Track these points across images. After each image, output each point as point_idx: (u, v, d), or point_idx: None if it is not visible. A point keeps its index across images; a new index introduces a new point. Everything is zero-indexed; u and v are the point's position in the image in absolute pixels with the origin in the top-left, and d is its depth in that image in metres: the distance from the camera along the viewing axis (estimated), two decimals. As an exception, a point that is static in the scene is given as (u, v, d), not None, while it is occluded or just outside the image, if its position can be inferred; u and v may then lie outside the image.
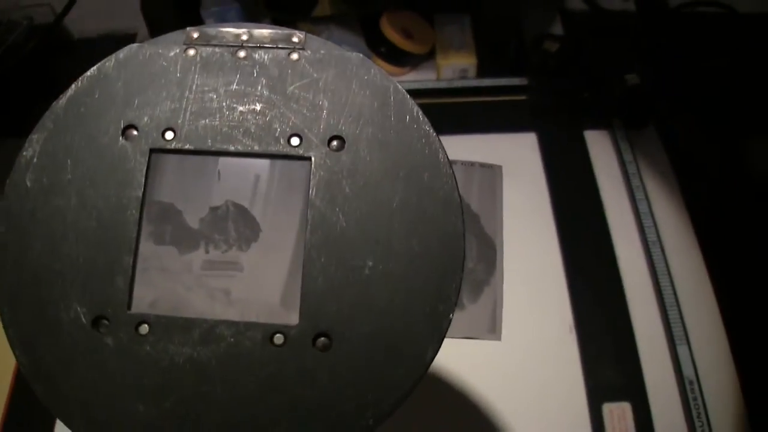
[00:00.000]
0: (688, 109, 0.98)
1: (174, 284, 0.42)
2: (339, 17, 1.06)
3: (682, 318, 0.78)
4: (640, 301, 0.81)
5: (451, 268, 0.41)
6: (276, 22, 1.07)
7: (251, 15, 1.07)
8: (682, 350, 0.75)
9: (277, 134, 0.43)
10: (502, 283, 0.52)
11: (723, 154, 0.95)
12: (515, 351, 0.76)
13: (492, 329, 0.59)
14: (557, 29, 1.12)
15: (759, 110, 0.99)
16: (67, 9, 1.03)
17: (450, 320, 0.40)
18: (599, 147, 0.96)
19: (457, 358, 0.73)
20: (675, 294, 0.80)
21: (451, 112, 1.02)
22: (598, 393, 0.74)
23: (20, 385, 0.77)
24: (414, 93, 1.02)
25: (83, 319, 0.41)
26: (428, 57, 1.10)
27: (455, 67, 1.05)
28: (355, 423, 0.40)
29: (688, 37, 1.06)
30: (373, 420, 0.40)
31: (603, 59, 1.00)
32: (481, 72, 1.06)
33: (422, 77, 1.09)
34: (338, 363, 0.40)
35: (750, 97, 1.00)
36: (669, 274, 0.82)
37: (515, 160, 0.94)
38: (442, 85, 1.06)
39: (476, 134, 0.97)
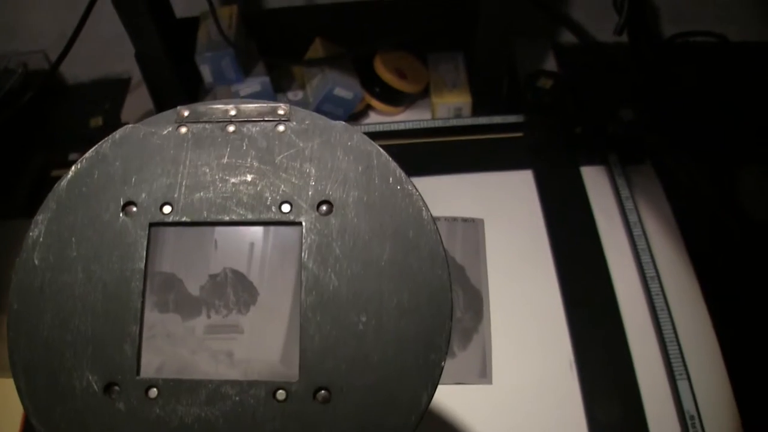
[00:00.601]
0: (684, 142, 0.98)
1: (179, 349, 0.44)
2: (332, 59, 1.08)
3: (681, 353, 0.78)
4: (640, 336, 0.81)
5: (440, 319, 0.43)
6: (270, 66, 1.10)
7: (245, 60, 1.09)
8: (682, 385, 0.75)
9: (268, 202, 0.45)
10: (490, 329, 0.54)
11: (719, 187, 0.95)
12: (509, 393, 0.76)
13: (483, 374, 0.61)
14: (551, 64, 1.13)
15: (752, 139, 1.00)
16: (61, 58, 1.05)
17: (442, 368, 0.43)
18: (596, 183, 0.96)
19: (452, 404, 0.73)
20: (674, 329, 0.80)
21: (447, 151, 1.03)
22: (599, 429, 0.74)
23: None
24: (410, 133, 1.06)
25: (95, 387, 0.43)
26: (423, 96, 1.12)
27: (450, 106, 1.07)
28: None
29: (682, 68, 1.07)
30: None
31: (597, 94, 1.01)
32: (476, 110, 1.07)
33: (417, 116, 1.10)
34: (338, 415, 0.42)
35: (743, 126, 1.01)
36: (668, 308, 0.82)
37: (512, 197, 0.94)
38: (438, 124, 1.07)
39: (473, 173, 0.98)
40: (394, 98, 1.10)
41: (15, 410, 0.80)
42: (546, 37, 1.20)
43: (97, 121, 1.08)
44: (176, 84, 1.07)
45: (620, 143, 0.98)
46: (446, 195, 0.93)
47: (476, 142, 1.03)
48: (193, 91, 1.11)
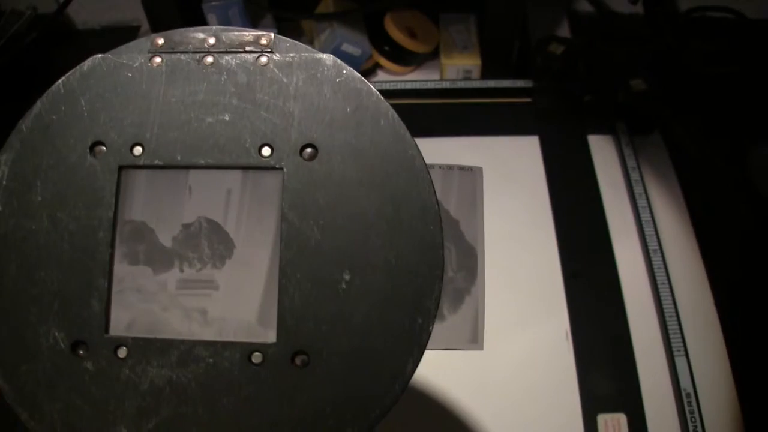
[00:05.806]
0: (695, 116, 0.95)
1: (150, 305, 0.41)
2: (343, 15, 1.04)
3: (681, 329, 0.75)
4: (640, 310, 0.78)
5: (430, 279, 0.39)
6: (278, 19, 1.06)
7: (253, 11, 1.06)
8: (680, 362, 0.73)
9: (247, 145, 0.41)
10: (484, 291, 0.50)
11: (728, 163, 0.92)
12: (501, 361, 0.73)
13: (474, 339, 0.57)
14: (563, 31, 1.10)
15: (764, 118, 0.96)
16: (68, 1, 1.03)
17: (429, 333, 0.39)
18: (602, 152, 0.94)
19: (440, 371, 0.71)
20: (675, 304, 0.77)
21: (453, 113, 1.01)
22: (593, 403, 0.72)
23: None
24: (417, 93, 1.03)
25: (62, 344, 0.40)
26: (432, 57, 1.09)
27: (459, 68, 1.04)
28: None
29: (697, 42, 1.03)
30: None
31: (609, 63, 0.98)
32: (485, 73, 1.05)
33: (426, 77, 1.08)
34: (317, 380, 0.39)
35: (756, 105, 0.98)
36: (669, 283, 0.79)
37: (517, 162, 0.92)
38: (446, 85, 1.04)
39: (478, 136, 0.96)
40: (403, 57, 1.07)
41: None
42: (561, 3, 1.16)
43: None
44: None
45: (629, 113, 0.95)
46: (449, 155, 0.90)
47: (484, 105, 1.01)
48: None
